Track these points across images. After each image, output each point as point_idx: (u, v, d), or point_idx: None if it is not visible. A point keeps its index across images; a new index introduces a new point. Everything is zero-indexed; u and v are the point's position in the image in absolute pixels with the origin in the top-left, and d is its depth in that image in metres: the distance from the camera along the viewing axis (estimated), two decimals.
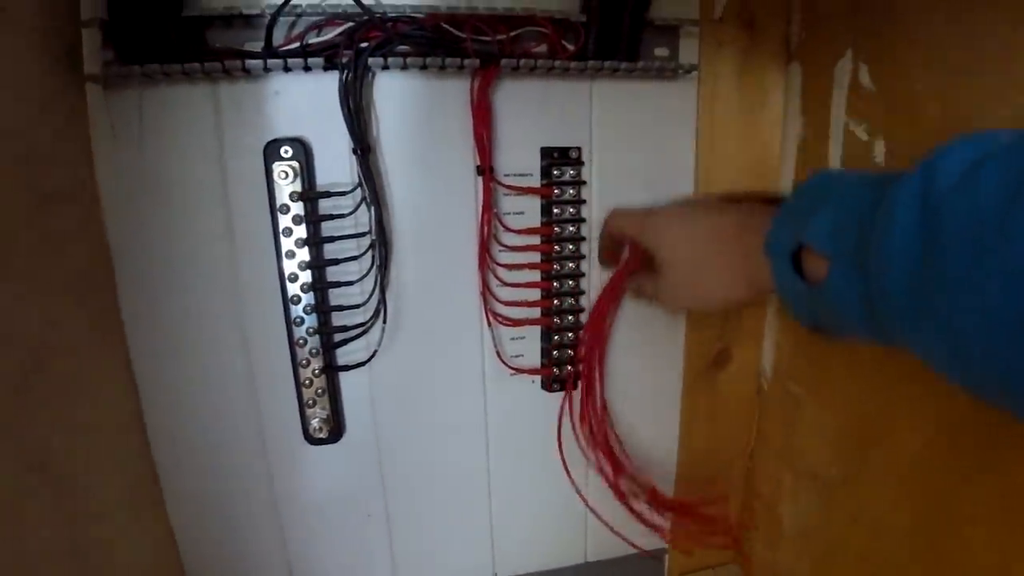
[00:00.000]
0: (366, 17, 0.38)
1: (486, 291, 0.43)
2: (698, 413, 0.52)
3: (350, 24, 0.38)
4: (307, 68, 0.37)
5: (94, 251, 0.38)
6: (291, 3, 0.37)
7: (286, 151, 0.39)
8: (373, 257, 0.41)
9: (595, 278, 0.46)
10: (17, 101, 0.32)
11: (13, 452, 0.30)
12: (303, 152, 0.39)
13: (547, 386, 0.47)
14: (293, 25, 0.38)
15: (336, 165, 0.40)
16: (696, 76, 0.45)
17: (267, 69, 0.37)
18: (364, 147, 0.39)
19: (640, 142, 0.45)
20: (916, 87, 0.37)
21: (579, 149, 0.43)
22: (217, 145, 0.39)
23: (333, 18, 0.38)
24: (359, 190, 0.40)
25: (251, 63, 0.36)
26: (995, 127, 0.25)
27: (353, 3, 0.37)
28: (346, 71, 0.37)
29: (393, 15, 0.38)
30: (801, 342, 0.49)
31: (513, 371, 0.46)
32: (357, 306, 0.42)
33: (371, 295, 0.41)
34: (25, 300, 0.31)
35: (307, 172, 0.40)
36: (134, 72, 0.35)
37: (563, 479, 0.49)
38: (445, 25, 0.39)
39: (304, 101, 0.39)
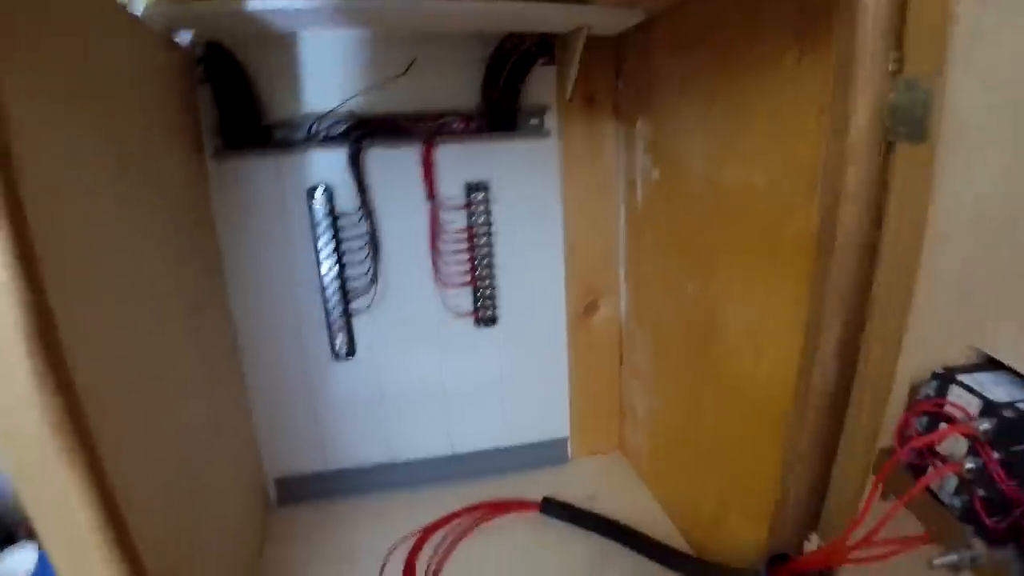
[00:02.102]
0: (360, 118, 0.75)
1: (436, 267, 0.80)
2: (580, 347, 0.87)
3: (351, 122, 0.75)
4: (329, 146, 0.74)
5: (213, 252, 0.76)
6: (318, 114, 0.74)
7: (319, 190, 0.76)
8: (368, 249, 0.77)
9: (503, 255, 0.82)
10: (175, 171, 0.69)
11: (196, 336, 0.66)
12: (329, 191, 0.77)
13: (477, 323, 0.83)
14: (322, 122, 0.76)
15: (348, 198, 0.77)
16: (557, 135, 0.81)
17: (305, 148, 0.74)
18: (362, 187, 0.76)
19: (525, 176, 0.81)
20: (669, 137, 0.73)
21: (487, 182, 0.80)
22: (279, 190, 0.76)
23: (343, 119, 0.75)
24: (361, 211, 0.77)
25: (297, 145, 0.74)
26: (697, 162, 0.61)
27: (353, 112, 0.75)
28: (350, 147, 0.75)
29: (375, 116, 0.76)
30: (635, 294, 0.84)
31: (455, 315, 0.82)
32: (361, 276, 0.78)
33: (368, 271, 0.78)
34: (188, 273, 0.68)
35: (331, 202, 0.77)
36: (234, 154, 0.74)
37: (495, 383, 0.85)
38: (403, 121, 0.76)
39: (329, 163, 0.76)
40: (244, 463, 0.78)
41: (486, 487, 0.85)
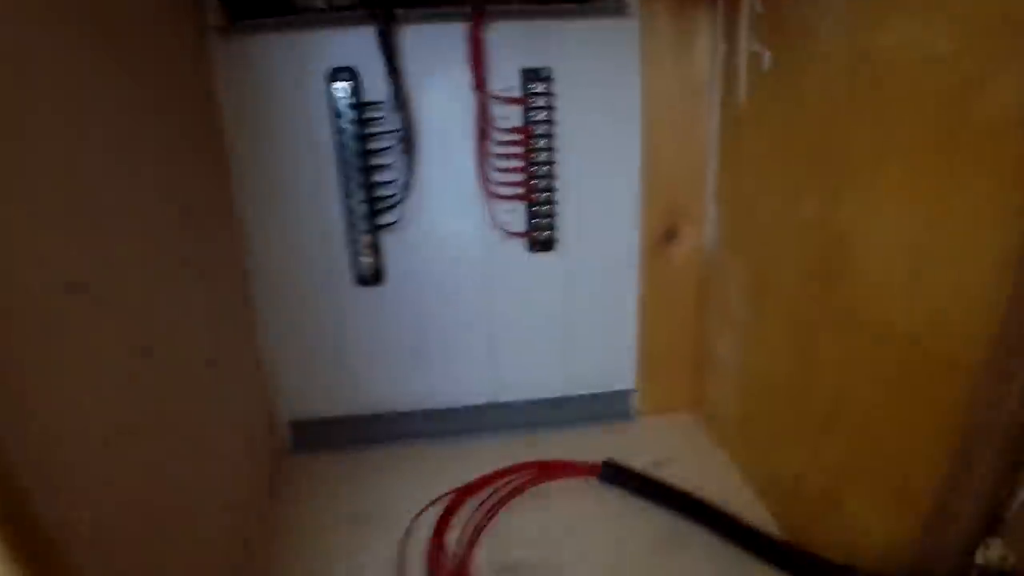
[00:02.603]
0: None
1: (483, 174, 0.65)
2: (654, 281, 0.72)
3: None
4: (354, 19, 0.60)
5: (218, 149, 0.63)
6: None
7: (341, 75, 0.62)
8: (401, 149, 0.63)
9: (565, 164, 0.67)
10: (166, 49, 0.56)
11: (185, 261, 0.54)
12: (354, 76, 0.62)
13: (531, 248, 0.69)
14: None
15: (376, 85, 0.62)
16: (638, 14, 0.65)
17: (326, 22, 0.60)
18: (393, 71, 0.62)
19: (597, 65, 0.65)
20: (784, 12, 0.56)
21: (549, 69, 0.64)
22: (298, 71, 0.62)
23: None
24: (392, 102, 0.62)
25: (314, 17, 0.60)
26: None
27: None
28: (379, 20, 0.60)
29: None
30: (728, 218, 0.68)
31: (505, 235, 0.68)
32: (392, 182, 0.65)
33: (400, 176, 0.64)
34: (181, 176, 0.55)
35: (357, 89, 0.63)
36: (241, 28, 0.60)
37: (551, 322, 0.71)
38: None
39: (355, 41, 0.62)
40: (252, 402, 0.67)
41: (536, 443, 0.73)
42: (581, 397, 0.75)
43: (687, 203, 0.71)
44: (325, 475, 0.70)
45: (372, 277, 0.67)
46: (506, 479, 0.67)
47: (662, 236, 0.71)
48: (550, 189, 0.67)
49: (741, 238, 0.66)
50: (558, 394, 0.75)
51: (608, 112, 0.67)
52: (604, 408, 0.76)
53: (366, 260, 0.67)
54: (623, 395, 0.76)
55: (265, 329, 0.69)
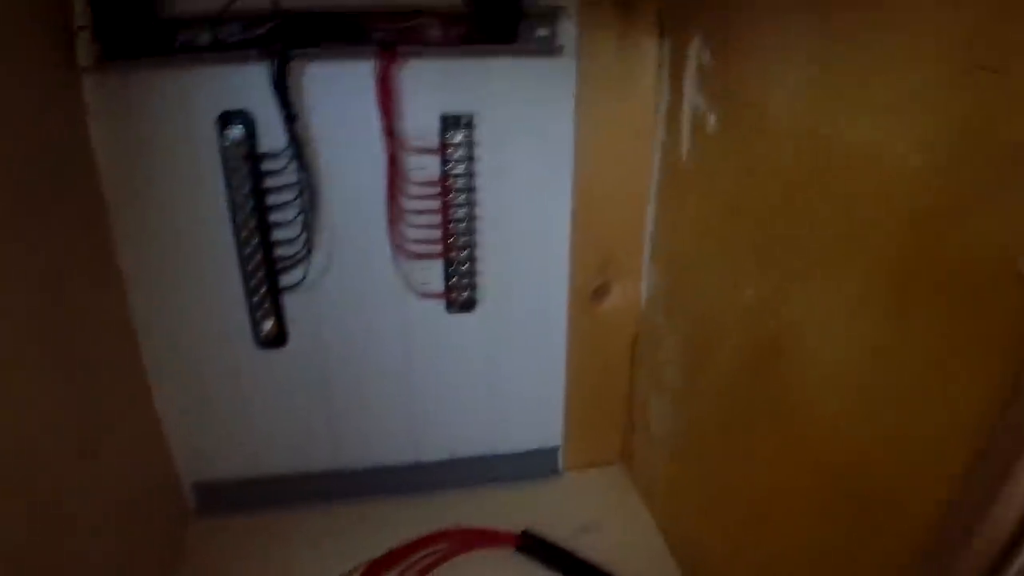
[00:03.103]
0: (288, 15, 0.52)
1: (394, 230, 0.59)
2: (583, 339, 0.68)
3: (275, 20, 0.52)
4: (247, 57, 0.52)
5: (93, 202, 0.55)
6: (231, 6, 0.51)
7: (234, 120, 0.55)
8: (301, 205, 0.56)
9: (488, 217, 0.61)
10: (27, 89, 0.48)
11: (42, 337, 0.48)
12: (248, 121, 0.55)
13: (450, 307, 0.63)
14: (240, 23, 0.53)
15: (274, 131, 0.55)
16: (574, 53, 0.58)
17: (216, 59, 0.52)
18: (291, 117, 0.54)
19: (526, 110, 0.58)
20: (740, 66, 0.49)
21: (471, 115, 0.58)
22: (184, 115, 0.54)
23: (266, 19, 0.52)
24: (290, 151, 0.55)
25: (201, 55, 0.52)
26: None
27: (279, 5, 0.52)
28: (273, 58, 0.52)
29: (313, 11, 0.53)
30: (664, 281, 0.63)
31: (421, 295, 0.62)
32: (292, 240, 0.58)
33: (300, 233, 0.57)
34: (41, 238, 0.48)
35: (251, 137, 0.55)
36: (118, 66, 0.51)
37: (472, 381, 0.66)
38: (353, 21, 0.53)
39: (249, 80, 0.54)
40: (149, 465, 0.62)
41: (456, 504, 0.69)
42: (506, 455, 0.71)
43: (622, 258, 0.66)
44: (232, 539, 0.65)
45: (275, 339, 0.61)
46: (421, 552, 0.63)
47: (593, 293, 0.66)
48: (471, 245, 0.61)
49: (677, 303, 0.62)
50: (481, 453, 0.71)
51: (537, 162, 0.60)
52: (531, 466, 0.72)
53: (267, 322, 0.60)
54: (550, 452, 0.73)
55: (161, 391, 0.63)
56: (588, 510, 0.69)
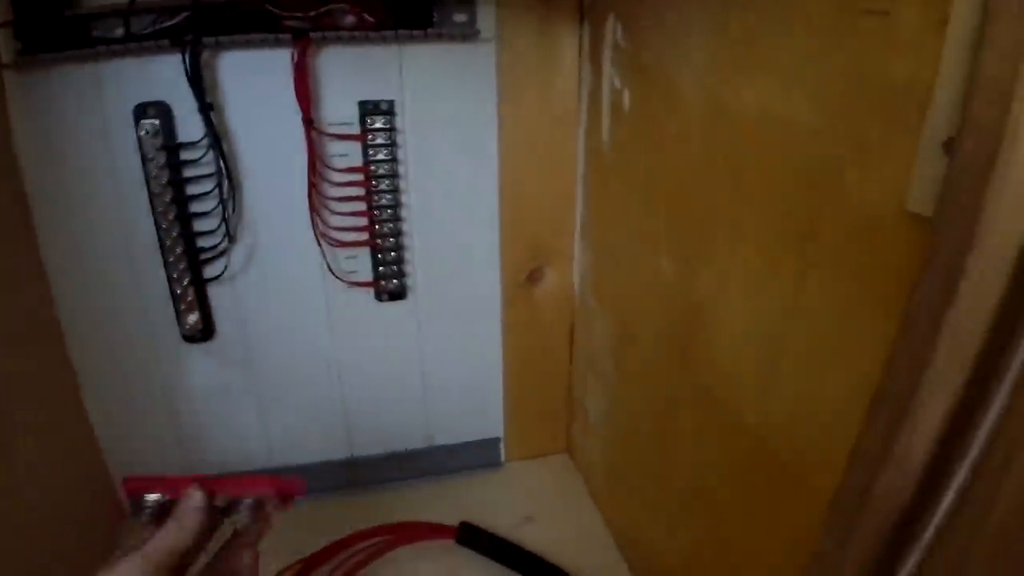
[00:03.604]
0: (200, 5, 0.52)
1: (317, 218, 0.59)
2: (519, 325, 0.68)
3: (188, 10, 0.52)
4: (160, 48, 0.52)
5: (14, 197, 0.54)
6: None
7: (150, 111, 0.54)
8: (220, 194, 0.56)
9: (414, 204, 0.61)
10: None
11: None
12: (164, 112, 0.55)
13: (379, 296, 0.63)
14: (150, 16, 0.53)
15: (191, 121, 0.55)
16: (494, 38, 0.58)
17: (129, 50, 0.52)
18: (207, 107, 0.54)
19: (447, 95, 0.59)
20: (650, 41, 0.49)
21: (391, 102, 0.58)
22: (100, 109, 0.54)
23: (175, 10, 0.52)
24: (207, 141, 0.55)
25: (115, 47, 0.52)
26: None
27: None
28: (186, 47, 0.52)
29: (223, 1, 0.53)
30: (594, 262, 0.63)
31: (348, 284, 0.61)
32: (214, 231, 0.57)
33: (221, 221, 0.57)
34: None
35: (168, 127, 0.55)
36: (38, 61, 0.51)
37: (406, 371, 0.66)
38: (268, 8, 0.53)
39: (164, 73, 0.54)
40: (78, 464, 0.61)
41: (395, 500, 0.68)
42: (446, 447, 0.71)
43: (554, 242, 0.66)
44: None
45: (200, 333, 0.61)
46: (358, 546, 0.62)
47: (526, 278, 0.66)
48: (397, 233, 0.61)
49: (604, 286, 0.62)
50: (419, 446, 0.70)
51: (461, 147, 0.61)
52: (471, 457, 0.72)
53: (191, 316, 0.60)
54: (491, 443, 0.72)
55: (89, 388, 0.62)
56: (531, 500, 0.68)
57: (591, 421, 0.67)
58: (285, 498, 0.40)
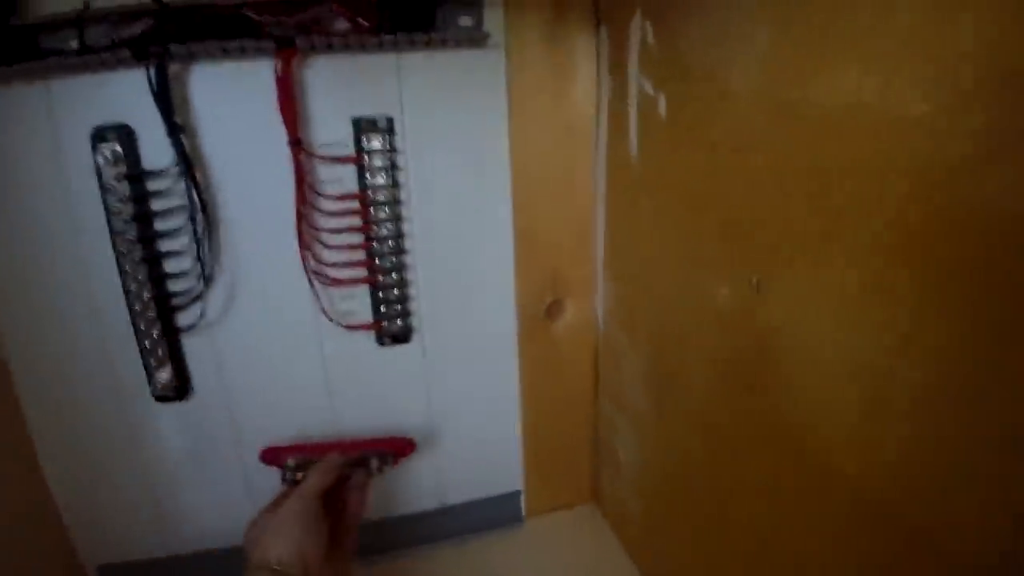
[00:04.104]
0: (165, 10, 0.44)
1: (307, 255, 0.51)
2: (537, 364, 0.60)
3: (151, 19, 0.45)
4: (120, 61, 0.44)
5: None
6: (97, 5, 0.44)
7: (110, 136, 0.46)
8: (193, 229, 0.48)
9: (419, 235, 0.53)
10: None
11: None
12: (126, 136, 0.47)
13: (381, 340, 0.55)
14: (109, 24, 0.45)
15: (157, 146, 0.47)
16: (502, 43, 0.51)
17: (87, 65, 0.44)
18: (177, 129, 0.46)
19: (451, 108, 0.52)
20: (689, 37, 0.43)
21: (390, 119, 0.50)
22: (52, 133, 0.46)
23: (138, 16, 0.45)
24: (177, 168, 0.47)
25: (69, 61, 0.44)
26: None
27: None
28: (151, 61, 0.45)
29: (196, 5, 0.45)
30: (621, 292, 0.56)
31: (345, 327, 0.53)
32: (187, 273, 0.49)
33: (195, 264, 0.49)
34: None
35: (131, 154, 0.47)
36: None
37: (413, 424, 0.58)
38: (246, 12, 0.46)
39: (125, 91, 0.46)
40: (36, 550, 0.52)
41: (407, 571, 0.60)
42: (461, 506, 0.62)
43: (573, 272, 0.59)
44: None
45: (175, 391, 0.52)
46: None
47: (544, 312, 0.59)
48: (400, 267, 0.53)
49: (636, 317, 0.55)
50: (432, 506, 0.62)
51: (469, 167, 0.54)
52: (489, 515, 0.63)
53: (163, 372, 0.51)
54: (510, 497, 0.64)
55: (51, 462, 0.53)
56: (559, 560, 0.60)
57: (622, 468, 0.59)
58: (398, 455, 0.53)
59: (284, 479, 0.51)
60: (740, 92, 0.39)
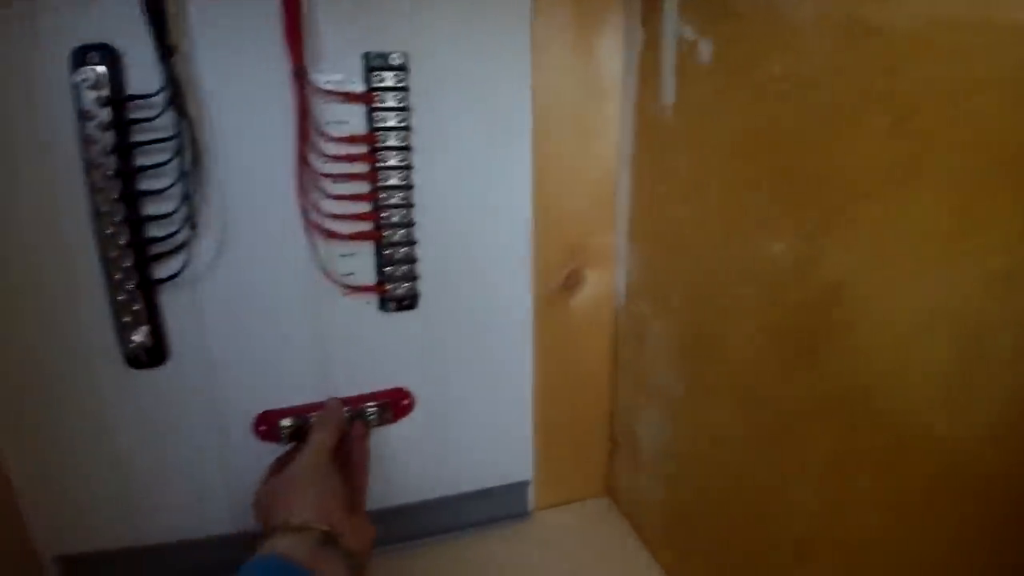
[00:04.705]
0: None
1: (307, 203, 0.45)
2: (552, 342, 0.55)
3: None
4: None
5: None
6: None
7: (92, 57, 0.41)
8: (180, 165, 0.42)
9: (427, 188, 0.48)
10: None
11: None
12: (111, 57, 0.41)
13: (384, 306, 0.49)
14: None
15: (145, 70, 0.41)
16: None
17: None
18: (168, 51, 0.41)
19: (471, 50, 0.47)
20: None
21: (404, 55, 0.46)
22: (28, 48, 0.40)
23: None
24: (166, 95, 0.42)
25: None
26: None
27: None
28: None
29: None
30: (649, 259, 0.52)
31: (345, 291, 0.48)
32: (170, 218, 0.43)
33: (179, 207, 0.43)
34: None
35: (115, 77, 0.41)
36: None
37: (418, 405, 0.52)
38: None
39: (114, 7, 0.40)
40: None
41: (406, 565, 0.53)
42: (465, 496, 0.56)
43: (594, 240, 0.54)
44: None
45: (148, 354, 0.46)
46: None
47: (562, 283, 0.54)
48: (408, 223, 0.48)
49: (667, 286, 0.50)
50: (431, 496, 0.55)
51: (487, 116, 0.49)
52: (495, 506, 0.57)
53: (138, 331, 0.45)
54: (517, 488, 0.58)
55: (5, 436, 0.46)
56: (572, 558, 0.54)
57: (644, 454, 0.54)
58: (396, 410, 0.52)
59: (280, 438, 0.49)
60: (804, 23, 0.35)
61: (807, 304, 0.36)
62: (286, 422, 0.49)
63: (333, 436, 0.46)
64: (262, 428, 0.49)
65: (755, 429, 0.42)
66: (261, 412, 0.49)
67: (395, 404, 0.52)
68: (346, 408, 0.50)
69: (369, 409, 0.51)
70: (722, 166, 0.43)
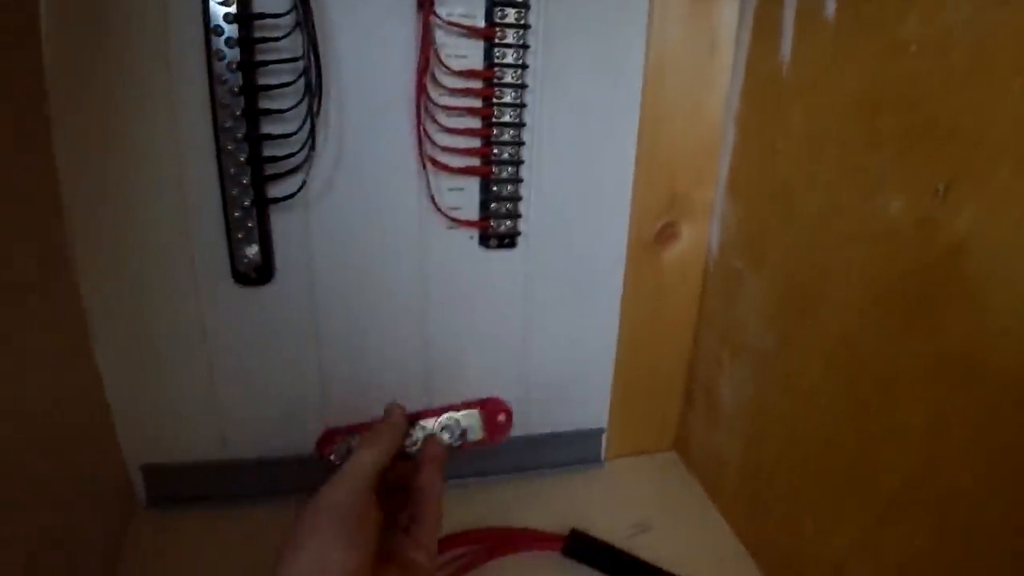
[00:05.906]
0: None
1: (424, 135, 0.45)
2: (641, 293, 0.55)
3: None
4: None
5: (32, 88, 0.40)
6: None
7: None
8: (305, 90, 0.42)
9: (536, 127, 0.48)
10: None
11: None
12: None
13: (485, 242, 0.49)
14: None
15: None
16: None
17: None
18: None
19: None
20: None
21: None
22: None
23: None
24: (294, 15, 0.41)
25: None
26: None
27: None
28: None
29: None
30: (747, 216, 0.51)
31: (451, 223, 0.48)
32: (288, 138, 0.43)
33: (301, 127, 0.43)
34: None
35: None
36: None
37: (506, 343, 0.52)
38: None
39: None
40: (85, 441, 0.46)
41: (480, 500, 0.54)
42: (540, 437, 0.57)
43: (694, 193, 0.53)
44: (190, 540, 0.49)
45: (256, 272, 0.46)
46: (451, 554, 0.48)
47: (656, 235, 0.53)
48: (517, 161, 0.48)
49: (766, 243, 0.49)
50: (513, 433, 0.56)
51: (601, 60, 0.48)
52: (568, 451, 0.58)
53: (250, 248, 0.45)
54: (592, 435, 0.58)
55: (101, 342, 0.46)
56: (642, 506, 0.55)
57: (723, 411, 0.54)
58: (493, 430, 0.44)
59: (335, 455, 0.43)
60: None
61: (926, 264, 0.35)
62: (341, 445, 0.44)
63: (384, 457, 0.37)
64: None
65: (851, 389, 0.41)
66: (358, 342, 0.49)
67: (491, 417, 0.45)
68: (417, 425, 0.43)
69: (453, 422, 0.43)
70: (840, 125, 0.42)
